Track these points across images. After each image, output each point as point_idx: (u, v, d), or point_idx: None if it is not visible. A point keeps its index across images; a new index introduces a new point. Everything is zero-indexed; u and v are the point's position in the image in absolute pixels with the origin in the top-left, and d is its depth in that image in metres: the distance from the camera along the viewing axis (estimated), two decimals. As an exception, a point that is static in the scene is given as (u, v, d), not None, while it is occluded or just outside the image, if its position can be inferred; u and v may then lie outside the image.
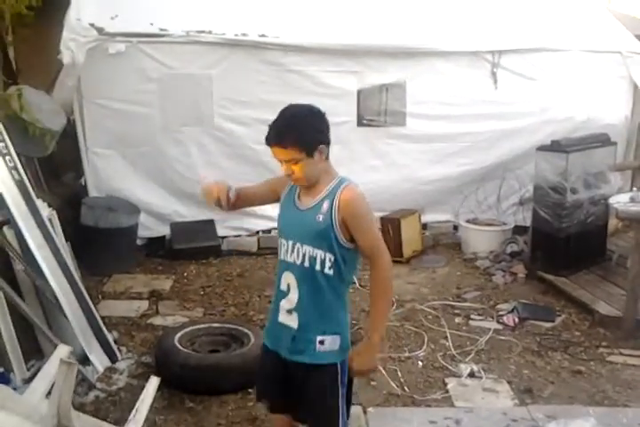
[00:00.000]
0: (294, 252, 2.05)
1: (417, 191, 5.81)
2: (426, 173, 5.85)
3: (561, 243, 4.95)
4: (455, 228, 5.98)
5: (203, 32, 5.27)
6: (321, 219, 2.01)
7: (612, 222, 5.48)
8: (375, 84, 5.70)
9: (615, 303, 4.35)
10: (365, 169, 5.74)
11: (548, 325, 4.23)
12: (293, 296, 2.05)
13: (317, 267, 2.02)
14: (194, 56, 5.28)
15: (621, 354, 3.85)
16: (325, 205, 2.02)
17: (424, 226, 5.83)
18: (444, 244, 5.85)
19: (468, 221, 5.75)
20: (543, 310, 4.46)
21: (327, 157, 2.10)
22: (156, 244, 5.44)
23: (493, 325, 4.19)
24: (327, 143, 2.08)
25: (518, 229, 5.67)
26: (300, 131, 2.01)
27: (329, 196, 2.04)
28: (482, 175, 5.93)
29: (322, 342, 2.04)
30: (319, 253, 2.01)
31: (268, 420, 2.41)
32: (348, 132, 5.68)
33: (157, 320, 4.11)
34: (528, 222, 5.40)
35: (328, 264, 2.01)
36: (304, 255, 2.03)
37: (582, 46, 6.09)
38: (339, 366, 2.08)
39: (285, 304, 2.08)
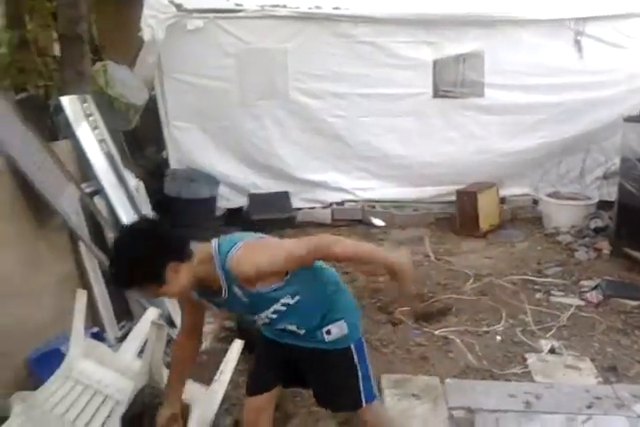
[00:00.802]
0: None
1: (494, 164, 5.67)
2: (504, 146, 5.68)
3: (650, 218, 4.72)
4: (535, 202, 5.80)
5: (277, 6, 5.28)
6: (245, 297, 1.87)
7: None
8: (451, 55, 5.56)
9: None
10: (441, 141, 5.66)
11: (634, 303, 4.04)
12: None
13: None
14: (269, 30, 5.31)
15: None
16: (236, 289, 1.85)
17: (502, 200, 5.69)
18: (523, 218, 5.69)
19: (549, 195, 5.56)
20: (629, 288, 4.27)
21: (189, 260, 1.79)
22: (233, 214, 5.60)
23: (576, 301, 4.05)
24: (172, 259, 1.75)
25: (603, 204, 5.43)
26: (124, 268, 1.72)
27: (227, 281, 1.82)
28: (563, 148, 5.70)
29: (328, 332, 2.04)
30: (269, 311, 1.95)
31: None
32: (423, 104, 5.61)
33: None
34: (613, 197, 5.15)
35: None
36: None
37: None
38: (352, 348, 2.08)
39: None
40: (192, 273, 1.78)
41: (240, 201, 5.64)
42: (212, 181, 5.37)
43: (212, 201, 5.32)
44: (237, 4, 5.25)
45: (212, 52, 5.28)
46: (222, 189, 5.48)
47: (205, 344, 3.36)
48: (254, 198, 5.56)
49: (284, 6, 5.30)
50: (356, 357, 2.08)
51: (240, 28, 5.26)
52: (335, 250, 1.81)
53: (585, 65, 5.58)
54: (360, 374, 2.09)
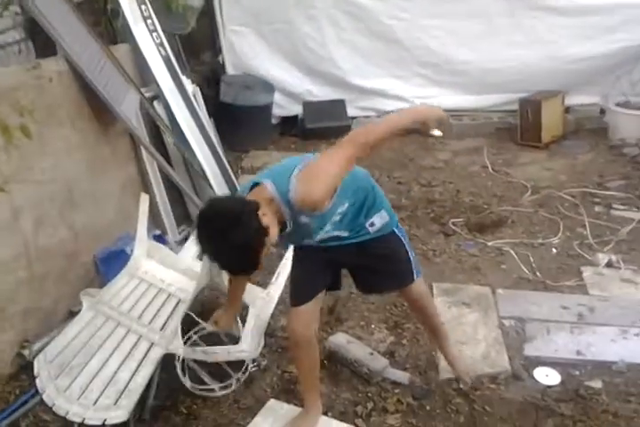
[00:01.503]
0: None
1: (563, 71, 5.32)
2: (575, 51, 5.28)
3: None
4: (602, 111, 5.49)
5: None
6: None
7: None
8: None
9: None
10: (506, 45, 5.31)
11: None
12: None
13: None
14: None
15: None
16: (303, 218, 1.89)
17: (567, 109, 5.41)
18: (588, 129, 5.40)
19: (618, 105, 5.25)
20: (696, 203, 4.12)
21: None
22: (289, 123, 5.56)
23: (638, 215, 3.91)
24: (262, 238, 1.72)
25: (677, 116, 5.11)
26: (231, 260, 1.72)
27: (293, 214, 1.86)
28: (639, 54, 5.29)
29: (372, 224, 2.10)
30: None
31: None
32: (487, 4, 5.23)
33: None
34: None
35: None
36: None
37: None
38: (396, 231, 2.18)
39: None
40: (272, 218, 1.78)
41: (295, 109, 5.56)
42: (268, 87, 5.28)
43: (267, 108, 5.26)
44: None
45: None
46: (277, 97, 5.39)
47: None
48: (309, 106, 5.47)
49: None
50: (401, 237, 2.20)
51: None
52: (371, 137, 1.85)
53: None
54: (409, 250, 2.22)
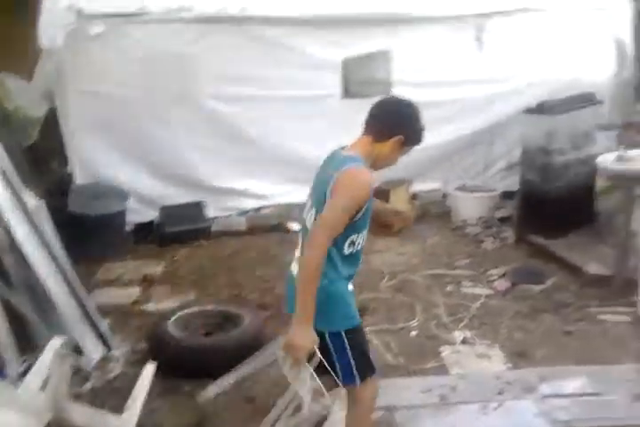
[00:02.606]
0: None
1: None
2: (415, 142, 5.81)
3: (549, 205, 4.97)
4: (444, 196, 5.99)
5: (183, 9, 5.17)
6: None
7: (600, 182, 5.48)
8: (360, 54, 5.63)
9: (604, 263, 4.38)
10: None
11: (539, 287, 4.28)
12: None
13: None
14: (176, 34, 5.18)
15: (611, 312, 3.91)
16: None
17: (413, 196, 5.84)
18: (434, 213, 5.85)
19: (457, 189, 5.75)
20: (533, 274, 4.50)
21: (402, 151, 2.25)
22: (145, 229, 5.43)
23: (485, 291, 4.23)
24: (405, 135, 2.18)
25: (507, 194, 5.68)
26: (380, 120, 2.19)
27: None
28: (470, 141, 5.91)
29: None
30: None
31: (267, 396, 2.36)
32: (333, 105, 5.64)
33: (150, 306, 4.13)
34: (516, 187, 5.41)
35: None
36: None
37: (566, 5, 6.01)
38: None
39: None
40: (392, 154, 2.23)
41: (151, 214, 5.46)
42: (121, 194, 5.17)
43: (120, 216, 5.12)
44: (141, 8, 5.10)
45: (117, 58, 5.09)
46: (132, 203, 5.29)
47: (116, 369, 3.29)
48: (166, 211, 5.39)
49: (190, 9, 5.20)
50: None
51: (145, 33, 5.11)
52: (313, 243, 2.00)
53: (486, 60, 5.79)
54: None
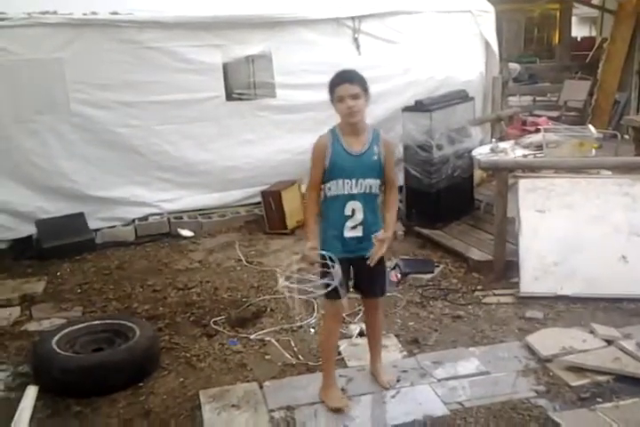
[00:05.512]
0: (358, 185, 2.76)
1: (294, 162, 5.82)
2: (301, 143, 5.83)
3: (432, 198, 5.22)
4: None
5: (47, 13, 4.93)
6: (375, 158, 2.78)
7: (477, 173, 5.83)
8: (240, 57, 5.63)
9: (486, 249, 4.67)
10: (240, 143, 5.71)
11: (428, 276, 4.46)
12: (358, 216, 2.79)
13: (374, 190, 2.80)
14: (40, 39, 4.94)
15: (494, 295, 4.15)
16: (375, 148, 2.78)
17: (304, 196, 5.89)
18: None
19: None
20: (423, 263, 4.69)
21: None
22: (22, 245, 5.11)
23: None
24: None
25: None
26: (360, 75, 2.79)
27: (374, 141, 2.79)
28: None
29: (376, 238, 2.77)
30: (375, 182, 2.79)
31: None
32: (217, 108, 5.62)
33: (32, 326, 3.89)
34: (401, 182, 5.60)
35: (377, 187, 2.82)
36: (366, 186, 2.77)
37: (435, 7, 6.33)
38: None
39: (350, 223, 2.80)
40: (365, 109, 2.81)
41: (27, 229, 5.14)
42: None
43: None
44: (0, 13, 4.81)
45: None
46: (4, 219, 4.99)
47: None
48: (44, 224, 5.09)
49: (55, 13, 4.97)
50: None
51: (6, 39, 4.83)
52: (397, 188, 3.02)
53: (364, 61, 5.92)
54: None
